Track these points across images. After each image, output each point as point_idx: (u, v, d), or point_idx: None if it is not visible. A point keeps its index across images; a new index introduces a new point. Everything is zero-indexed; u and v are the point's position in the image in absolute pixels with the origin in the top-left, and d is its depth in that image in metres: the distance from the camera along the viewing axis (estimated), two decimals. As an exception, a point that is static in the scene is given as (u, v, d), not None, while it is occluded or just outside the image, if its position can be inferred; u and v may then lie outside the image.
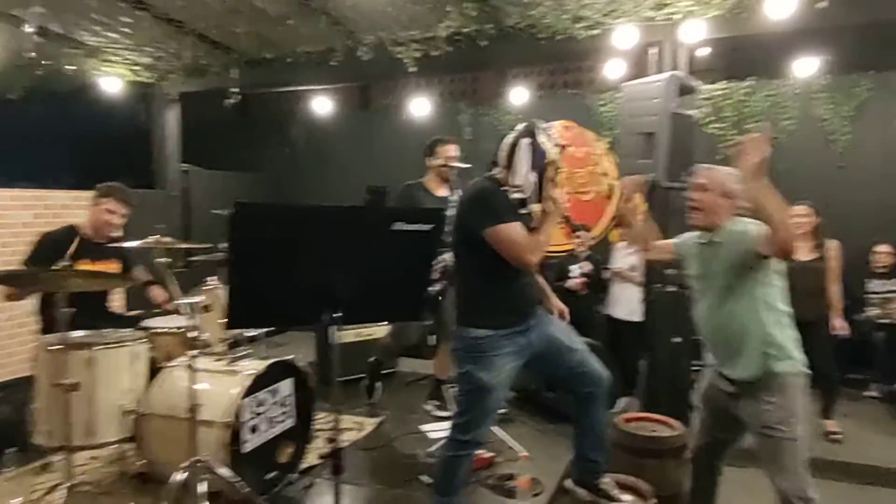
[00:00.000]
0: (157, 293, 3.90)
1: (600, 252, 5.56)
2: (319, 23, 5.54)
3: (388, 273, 2.18)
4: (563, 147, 2.82)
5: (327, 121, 8.06)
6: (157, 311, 3.99)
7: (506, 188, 2.72)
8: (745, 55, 6.71)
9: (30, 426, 3.07)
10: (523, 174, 2.69)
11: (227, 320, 2.12)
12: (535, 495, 3.31)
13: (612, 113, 6.85)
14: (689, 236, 2.81)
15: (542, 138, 2.70)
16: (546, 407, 4.55)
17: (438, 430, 4.19)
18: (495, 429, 3.77)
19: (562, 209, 2.79)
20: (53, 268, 2.83)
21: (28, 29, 4.99)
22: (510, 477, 3.46)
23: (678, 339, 4.40)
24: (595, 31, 5.32)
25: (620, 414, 3.76)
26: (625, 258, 5.17)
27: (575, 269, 5.24)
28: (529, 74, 8.12)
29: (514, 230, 2.63)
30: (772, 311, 2.50)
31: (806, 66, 6.32)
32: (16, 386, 4.12)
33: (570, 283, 5.17)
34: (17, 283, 3.39)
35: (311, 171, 8.15)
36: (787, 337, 2.51)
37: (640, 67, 5.88)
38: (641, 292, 4.79)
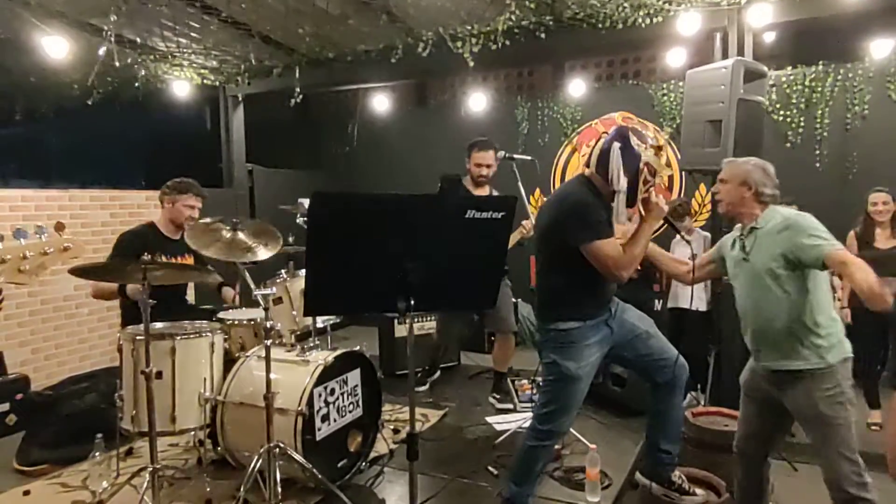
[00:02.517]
0: (227, 292, 4.07)
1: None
2: (380, 21, 5.61)
3: (462, 261, 2.19)
4: (659, 148, 2.70)
5: (385, 118, 8.15)
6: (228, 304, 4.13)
7: (601, 193, 2.68)
8: (814, 38, 6.46)
9: (118, 413, 3.21)
10: (621, 180, 2.62)
11: (304, 307, 2.16)
12: (604, 488, 3.28)
13: (672, 102, 6.71)
14: (728, 235, 2.80)
15: (634, 141, 2.63)
16: (612, 400, 4.50)
17: (504, 423, 4.22)
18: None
19: (662, 212, 2.74)
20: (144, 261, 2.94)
21: (105, 37, 5.21)
22: (578, 469, 3.44)
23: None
24: (657, 19, 5.23)
25: (687, 408, 3.69)
26: (682, 248, 5.07)
27: None
28: (587, 66, 8.01)
29: (610, 247, 2.61)
30: (817, 296, 2.47)
31: (880, 48, 6.03)
32: (98, 376, 4.33)
33: None
34: (100, 276, 3.55)
35: (369, 168, 8.25)
36: (834, 322, 2.50)
37: (701, 55, 5.75)
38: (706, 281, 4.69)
